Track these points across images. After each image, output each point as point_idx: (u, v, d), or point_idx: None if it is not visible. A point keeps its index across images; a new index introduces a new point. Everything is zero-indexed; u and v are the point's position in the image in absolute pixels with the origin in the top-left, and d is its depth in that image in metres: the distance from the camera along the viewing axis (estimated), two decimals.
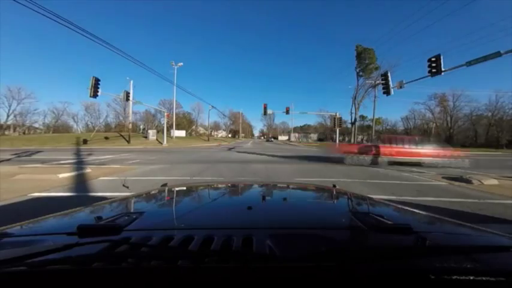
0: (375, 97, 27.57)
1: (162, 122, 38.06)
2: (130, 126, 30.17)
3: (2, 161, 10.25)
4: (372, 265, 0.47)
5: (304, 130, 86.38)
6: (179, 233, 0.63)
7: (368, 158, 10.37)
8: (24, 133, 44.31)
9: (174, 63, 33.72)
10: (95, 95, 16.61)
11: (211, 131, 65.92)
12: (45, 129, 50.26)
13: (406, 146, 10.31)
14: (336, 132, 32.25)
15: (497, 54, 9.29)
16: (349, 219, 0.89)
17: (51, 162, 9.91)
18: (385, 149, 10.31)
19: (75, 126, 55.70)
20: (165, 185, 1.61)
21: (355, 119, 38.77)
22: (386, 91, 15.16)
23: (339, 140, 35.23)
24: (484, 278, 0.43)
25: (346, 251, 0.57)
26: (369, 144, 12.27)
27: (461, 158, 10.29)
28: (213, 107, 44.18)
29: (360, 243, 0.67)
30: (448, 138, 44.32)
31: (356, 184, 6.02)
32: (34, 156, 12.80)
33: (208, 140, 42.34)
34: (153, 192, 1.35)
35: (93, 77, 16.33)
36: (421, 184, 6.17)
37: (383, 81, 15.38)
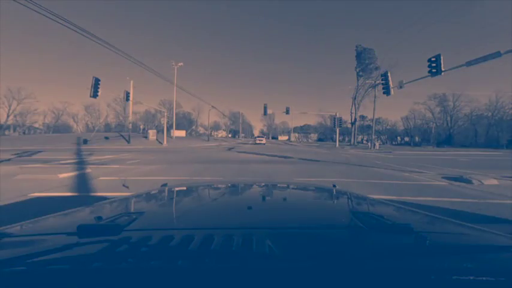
0: (375, 97, 27.54)
1: (162, 122, 38.06)
2: (130, 126, 30.16)
3: (2, 161, 10.25)
4: (372, 265, 0.47)
5: (304, 130, 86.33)
6: (179, 233, 0.63)
7: None
8: (24, 133, 44.30)
9: (174, 63, 33.74)
10: (95, 95, 16.61)
11: (211, 131, 65.93)
12: (45, 129, 50.26)
13: None
14: (336, 132, 32.30)
15: (497, 54, 9.30)
16: (349, 219, 0.89)
17: (52, 162, 9.91)
18: None
19: (75, 126, 55.78)
20: (165, 185, 1.60)
21: (355, 119, 38.79)
22: (386, 91, 15.18)
23: (339, 140, 35.29)
24: (484, 278, 0.43)
25: (346, 251, 0.58)
26: None
27: None
28: (213, 107, 44.11)
29: (360, 243, 0.67)
30: (448, 138, 44.35)
31: (356, 184, 6.02)
32: (34, 156, 12.79)
33: (208, 140, 42.31)
34: (153, 192, 1.34)
35: (94, 77, 16.33)
36: (421, 184, 6.17)
37: (383, 81, 15.40)
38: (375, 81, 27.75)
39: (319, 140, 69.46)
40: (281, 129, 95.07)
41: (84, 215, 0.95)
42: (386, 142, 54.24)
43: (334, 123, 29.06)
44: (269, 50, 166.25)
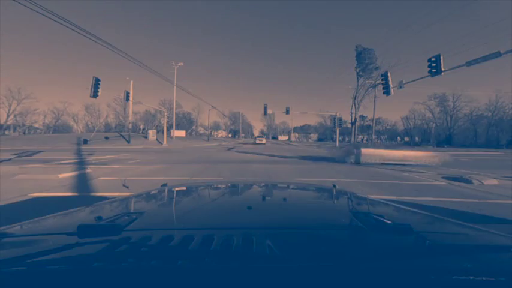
0: (375, 97, 27.57)
1: (162, 122, 38.07)
2: (130, 126, 30.14)
3: (2, 161, 10.24)
4: (372, 265, 0.47)
5: (304, 130, 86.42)
6: (179, 233, 0.63)
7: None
8: (24, 133, 44.33)
9: (174, 63, 33.74)
10: (95, 95, 16.62)
11: (211, 131, 65.94)
12: (45, 129, 50.29)
13: None
14: (336, 132, 32.29)
15: (497, 54, 9.29)
16: (349, 219, 0.89)
17: (51, 162, 9.91)
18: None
19: (75, 126, 55.80)
20: (165, 185, 1.60)
21: (355, 119, 38.74)
22: (386, 91, 15.18)
23: (339, 140, 35.27)
24: (484, 278, 0.43)
25: (346, 251, 0.58)
26: None
27: None
28: (213, 107, 44.15)
29: (360, 243, 0.67)
30: (448, 138, 44.37)
31: (356, 184, 6.02)
32: (34, 156, 12.79)
33: (208, 140, 42.33)
34: (153, 192, 1.34)
35: (93, 77, 16.34)
36: (421, 184, 6.17)
37: (383, 81, 15.39)
38: (375, 81, 27.78)
39: (319, 140, 69.48)
40: (281, 129, 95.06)
41: (84, 215, 0.95)
42: (386, 142, 54.24)
43: (334, 123, 29.05)
44: (269, 49, 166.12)
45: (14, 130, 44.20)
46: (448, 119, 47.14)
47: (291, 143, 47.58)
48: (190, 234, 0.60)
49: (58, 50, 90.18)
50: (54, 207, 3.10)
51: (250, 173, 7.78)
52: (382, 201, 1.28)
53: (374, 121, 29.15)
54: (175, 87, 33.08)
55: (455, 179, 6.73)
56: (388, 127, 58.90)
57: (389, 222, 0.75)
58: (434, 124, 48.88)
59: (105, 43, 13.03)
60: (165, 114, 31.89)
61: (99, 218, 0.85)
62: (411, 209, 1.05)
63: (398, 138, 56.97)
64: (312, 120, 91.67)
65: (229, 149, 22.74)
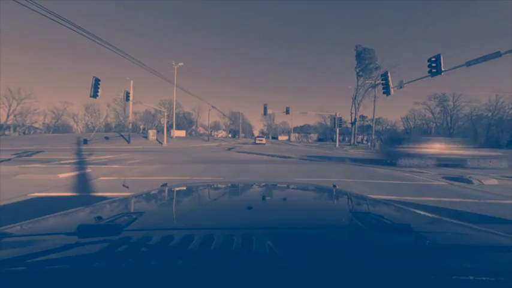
0: (375, 97, 27.57)
1: (162, 122, 38.08)
2: (130, 126, 30.13)
3: (2, 161, 10.24)
4: (372, 265, 0.47)
5: (304, 130, 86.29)
6: (179, 233, 0.63)
7: None
8: (24, 133, 44.35)
9: (174, 63, 33.74)
10: (95, 95, 16.62)
11: (211, 131, 65.98)
12: (45, 129, 50.33)
13: None
14: (336, 132, 32.30)
15: (497, 54, 9.29)
16: (349, 219, 0.89)
17: (52, 162, 9.91)
18: None
19: (75, 126, 55.83)
20: (165, 185, 1.60)
21: (355, 119, 38.78)
22: (386, 91, 15.18)
23: (339, 140, 35.30)
24: (484, 278, 0.43)
25: (346, 251, 0.58)
26: None
27: None
28: (213, 107, 44.09)
29: (360, 243, 0.67)
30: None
31: (356, 184, 6.02)
32: (34, 156, 12.79)
33: (208, 140, 42.32)
34: (153, 192, 1.35)
35: (93, 77, 16.34)
36: (421, 184, 6.17)
37: (383, 81, 15.40)
38: (375, 81, 27.79)
39: (319, 140, 69.34)
40: (281, 129, 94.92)
41: (84, 215, 0.95)
42: None
43: (334, 123, 29.06)
44: (269, 49, 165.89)
45: (14, 130, 44.22)
46: (448, 119, 47.11)
47: (291, 143, 47.57)
48: (190, 234, 0.60)
49: (58, 50, 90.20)
50: (54, 207, 3.10)
51: (250, 173, 7.78)
52: (382, 201, 1.28)
53: (374, 121, 29.13)
54: (175, 87, 33.10)
55: (455, 179, 6.73)
56: (388, 127, 58.88)
57: (389, 222, 0.75)
58: (434, 124, 48.87)
59: (105, 43, 13.02)
60: (165, 114, 31.90)
61: (99, 218, 0.85)
62: (411, 209, 1.05)
63: None
64: (312, 120, 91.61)
65: (229, 149, 22.73)
